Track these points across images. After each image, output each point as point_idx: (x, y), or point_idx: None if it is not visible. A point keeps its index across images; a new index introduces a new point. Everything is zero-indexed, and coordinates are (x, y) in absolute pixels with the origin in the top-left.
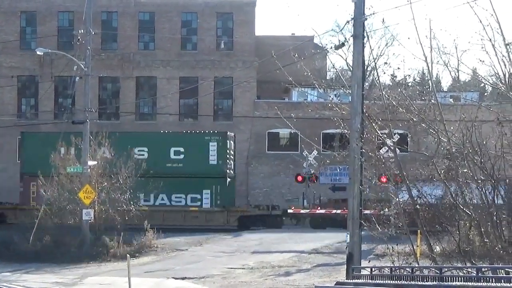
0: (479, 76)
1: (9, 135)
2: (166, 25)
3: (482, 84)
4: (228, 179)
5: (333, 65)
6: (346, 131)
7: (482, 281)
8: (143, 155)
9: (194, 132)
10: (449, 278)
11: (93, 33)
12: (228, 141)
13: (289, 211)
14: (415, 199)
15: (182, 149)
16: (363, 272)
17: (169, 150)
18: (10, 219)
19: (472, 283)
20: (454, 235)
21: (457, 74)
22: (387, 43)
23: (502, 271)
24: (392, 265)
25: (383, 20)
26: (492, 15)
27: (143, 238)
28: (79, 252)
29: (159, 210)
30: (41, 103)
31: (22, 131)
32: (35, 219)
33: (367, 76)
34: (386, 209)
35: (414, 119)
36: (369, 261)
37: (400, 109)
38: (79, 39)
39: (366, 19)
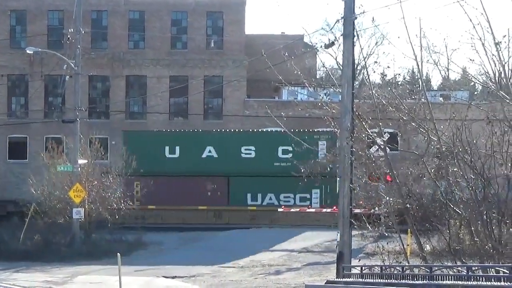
0: (469, 75)
1: (0, 134)
2: (156, 24)
3: (472, 83)
4: (338, 178)
5: (323, 64)
6: (336, 130)
7: (472, 280)
8: (250, 154)
9: (303, 130)
10: (439, 277)
11: (83, 32)
12: (337, 140)
13: (280, 210)
14: (405, 197)
15: (290, 148)
16: (353, 271)
17: (277, 149)
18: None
19: (462, 282)
20: (444, 234)
21: (447, 73)
22: (377, 42)
23: (492, 270)
24: (382, 264)
25: (373, 19)
26: (482, 14)
27: (134, 237)
28: (70, 251)
29: (267, 210)
30: (31, 102)
31: (124, 130)
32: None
33: (357, 75)
34: (377, 208)
35: (404, 118)
36: (359, 260)
37: (390, 108)
38: (69, 38)
39: (356, 18)
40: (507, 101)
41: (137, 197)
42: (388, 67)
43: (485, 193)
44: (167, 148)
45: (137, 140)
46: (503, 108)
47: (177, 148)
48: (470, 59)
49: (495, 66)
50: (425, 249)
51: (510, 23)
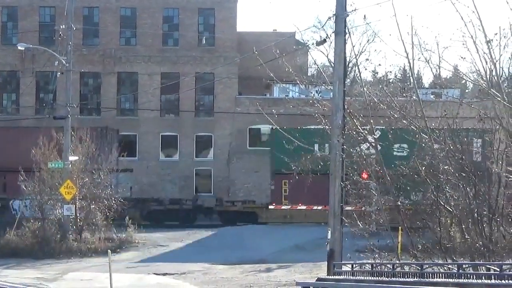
0: (461, 73)
1: None
2: (148, 20)
3: (464, 81)
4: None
5: (315, 62)
6: (328, 127)
7: (462, 277)
8: (402, 152)
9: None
10: (430, 275)
11: (74, 28)
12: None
13: (270, 207)
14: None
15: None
16: (344, 268)
17: None
18: (261, 218)
19: (453, 280)
20: (435, 231)
21: (438, 70)
22: (368, 40)
23: (483, 267)
24: (373, 261)
25: (365, 16)
26: (473, 12)
27: (125, 234)
28: (60, 247)
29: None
30: (22, 98)
31: (272, 127)
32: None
33: (348, 73)
34: (368, 206)
35: (396, 116)
36: (350, 257)
37: (382, 105)
38: (60, 34)
39: (347, 15)
40: (498, 99)
41: (284, 196)
42: (380, 64)
43: (476, 191)
44: (316, 146)
45: (285, 138)
46: (494, 106)
47: (327, 146)
48: (462, 57)
49: (486, 64)
50: (416, 247)
51: (501, 21)
